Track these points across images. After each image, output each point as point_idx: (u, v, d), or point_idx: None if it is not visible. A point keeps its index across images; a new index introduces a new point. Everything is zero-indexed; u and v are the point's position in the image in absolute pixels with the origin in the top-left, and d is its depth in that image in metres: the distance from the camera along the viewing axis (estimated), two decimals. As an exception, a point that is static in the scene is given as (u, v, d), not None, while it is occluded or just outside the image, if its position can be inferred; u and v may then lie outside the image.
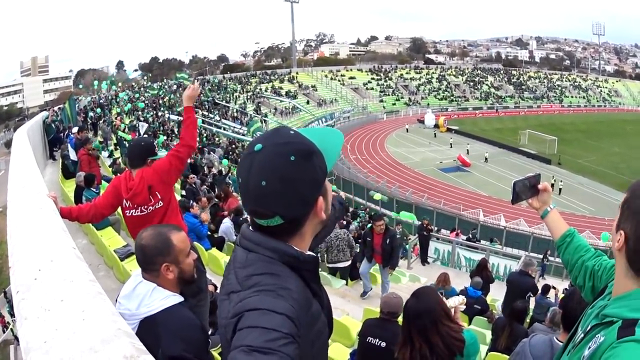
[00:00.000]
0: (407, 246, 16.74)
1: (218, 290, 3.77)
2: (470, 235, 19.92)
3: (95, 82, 48.27)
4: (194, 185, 12.12)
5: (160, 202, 3.72)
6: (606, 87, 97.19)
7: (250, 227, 1.31)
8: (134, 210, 3.74)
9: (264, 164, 1.18)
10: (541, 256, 17.52)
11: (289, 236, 1.27)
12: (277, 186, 1.16)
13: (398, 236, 14.39)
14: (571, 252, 1.94)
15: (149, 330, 1.96)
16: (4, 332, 12.85)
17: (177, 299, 2.15)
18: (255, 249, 1.26)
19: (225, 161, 24.61)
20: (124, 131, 23.69)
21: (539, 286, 8.14)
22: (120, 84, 55.35)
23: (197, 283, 2.76)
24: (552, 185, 32.61)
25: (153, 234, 2.23)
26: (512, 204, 2.16)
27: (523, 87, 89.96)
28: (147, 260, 2.18)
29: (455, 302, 3.35)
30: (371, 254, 8.72)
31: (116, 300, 2.09)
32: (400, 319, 3.59)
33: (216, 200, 11.31)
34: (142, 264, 2.20)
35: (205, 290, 3.49)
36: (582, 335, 1.41)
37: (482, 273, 9.45)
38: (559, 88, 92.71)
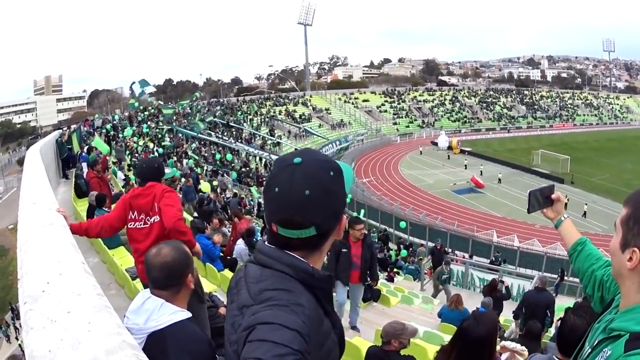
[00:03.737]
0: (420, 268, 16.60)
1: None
2: (494, 259, 19.79)
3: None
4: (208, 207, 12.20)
5: (157, 216, 3.80)
6: (617, 104, 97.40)
7: (267, 243, 1.31)
8: (137, 223, 3.85)
9: (308, 175, 1.21)
10: (556, 276, 17.28)
11: (311, 251, 1.28)
12: (320, 196, 1.20)
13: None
14: (582, 260, 1.96)
15: (157, 344, 1.95)
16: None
17: (186, 314, 2.13)
18: (271, 264, 1.26)
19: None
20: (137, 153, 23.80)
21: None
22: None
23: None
24: (565, 204, 32.17)
25: (172, 249, 2.23)
26: (528, 212, 2.29)
27: (535, 106, 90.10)
28: (175, 275, 2.17)
29: (515, 347, 3.21)
30: (348, 273, 6.87)
31: (124, 316, 2.08)
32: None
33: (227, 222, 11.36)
34: (167, 281, 2.17)
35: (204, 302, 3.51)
36: (590, 350, 1.39)
37: (491, 293, 9.50)
38: (571, 106, 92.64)
